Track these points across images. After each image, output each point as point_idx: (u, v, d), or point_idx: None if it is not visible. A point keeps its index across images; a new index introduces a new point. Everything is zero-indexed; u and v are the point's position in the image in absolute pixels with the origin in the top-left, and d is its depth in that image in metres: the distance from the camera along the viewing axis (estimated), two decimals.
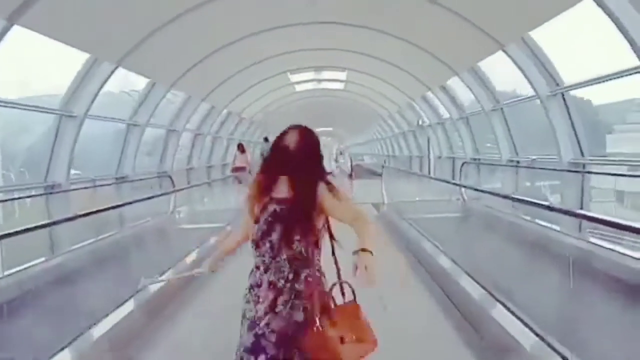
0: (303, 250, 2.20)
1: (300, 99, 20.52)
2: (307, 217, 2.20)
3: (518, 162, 10.56)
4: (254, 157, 16.58)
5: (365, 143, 38.86)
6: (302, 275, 2.20)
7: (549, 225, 7.74)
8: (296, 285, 2.19)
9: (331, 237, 2.32)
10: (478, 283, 4.78)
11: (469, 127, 12.97)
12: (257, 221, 2.26)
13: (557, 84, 8.01)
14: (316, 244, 2.25)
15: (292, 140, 2.26)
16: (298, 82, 17.71)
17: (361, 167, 27.00)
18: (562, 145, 8.02)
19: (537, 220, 7.92)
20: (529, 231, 7.69)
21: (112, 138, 12.41)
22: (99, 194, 10.20)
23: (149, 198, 8.57)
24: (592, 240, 6.82)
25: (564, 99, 8.03)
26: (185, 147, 15.48)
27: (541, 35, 7.94)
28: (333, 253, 2.31)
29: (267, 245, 2.21)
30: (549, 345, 3.37)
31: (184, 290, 5.39)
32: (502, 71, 10.80)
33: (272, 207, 2.24)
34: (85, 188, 8.81)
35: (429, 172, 17.39)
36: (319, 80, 18.24)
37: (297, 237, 2.18)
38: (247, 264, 2.39)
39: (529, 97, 8.71)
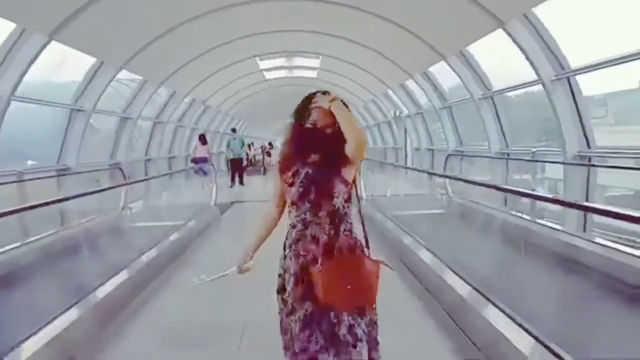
0: (340, 205, 2.33)
1: (270, 88, 19.18)
2: (338, 172, 2.31)
3: (509, 154, 9.62)
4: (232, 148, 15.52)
5: None
6: (341, 229, 2.32)
7: (546, 223, 6.85)
8: (337, 239, 2.31)
9: (356, 194, 2.43)
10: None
11: (452, 117, 11.98)
12: (292, 184, 2.35)
13: (563, 68, 7.03)
14: (349, 199, 2.37)
15: (322, 118, 2.38)
16: (268, 69, 16.38)
17: None
18: (567, 136, 7.06)
19: (537, 220, 7.01)
20: (530, 232, 6.72)
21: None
22: (36, 188, 8.77)
23: (89, 193, 7.16)
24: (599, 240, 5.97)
25: (569, 84, 7.05)
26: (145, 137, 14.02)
27: (545, 13, 6.99)
28: (359, 210, 2.46)
29: (307, 204, 2.32)
30: None
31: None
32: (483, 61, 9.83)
33: (304, 170, 2.35)
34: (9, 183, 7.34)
35: (406, 163, 16.42)
36: (291, 68, 16.95)
37: (335, 194, 2.30)
38: None
39: (530, 83, 7.69)
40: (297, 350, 2.25)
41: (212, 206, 9.85)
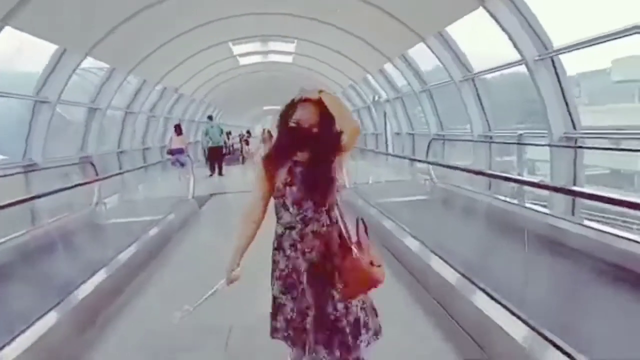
0: (335, 197, 2.42)
1: (245, 74, 18.68)
2: (331, 168, 2.36)
3: (491, 137, 9.48)
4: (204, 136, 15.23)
5: None
6: (333, 216, 2.40)
7: (534, 207, 6.74)
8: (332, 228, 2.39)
9: None
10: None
11: (432, 101, 11.79)
12: (291, 184, 2.34)
13: (546, 47, 6.85)
14: (338, 188, 2.45)
15: (307, 116, 2.34)
16: (242, 55, 15.88)
17: None
18: (552, 117, 6.91)
19: (524, 204, 6.89)
20: (517, 217, 6.59)
21: None
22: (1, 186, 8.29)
23: (58, 191, 6.73)
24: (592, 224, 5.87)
25: (553, 64, 6.89)
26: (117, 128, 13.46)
27: None
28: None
29: (310, 202, 2.34)
30: None
31: None
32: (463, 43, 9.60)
33: (297, 169, 2.36)
34: None
35: (387, 150, 16.23)
36: (265, 53, 16.49)
37: (337, 189, 2.40)
38: None
39: (512, 63, 7.49)
40: (314, 344, 2.32)
41: (190, 199, 9.45)
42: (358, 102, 18.88)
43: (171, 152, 13.69)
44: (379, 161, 14.89)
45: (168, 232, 6.99)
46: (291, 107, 2.36)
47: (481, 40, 11.24)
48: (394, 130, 15.25)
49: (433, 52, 9.32)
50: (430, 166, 9.63)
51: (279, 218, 2.41)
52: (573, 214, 6.97)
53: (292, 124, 2.33)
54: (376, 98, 15.82)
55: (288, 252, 2.37)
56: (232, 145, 22.75)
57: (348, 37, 11.44)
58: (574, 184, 7.06)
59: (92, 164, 9.25)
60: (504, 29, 6.87)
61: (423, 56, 11.99)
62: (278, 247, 2.40)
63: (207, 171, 15.38)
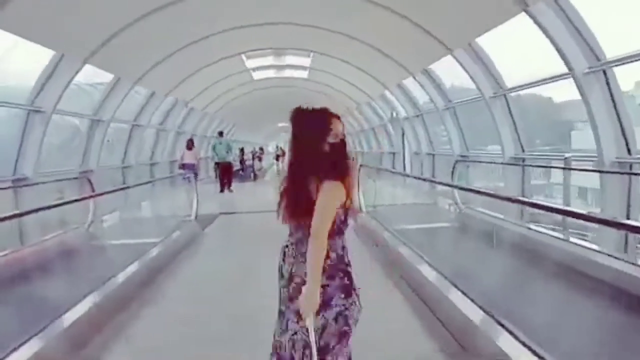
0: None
1: (258, 89, 17.96)
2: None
3: (524, 160, 8.51)
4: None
5: None
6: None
7: (580, 242, 5.73)
8: None
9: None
10: None
11: (457, 119, 10.86)
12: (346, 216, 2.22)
13: (598, 58, 5.91)
14: None
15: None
16: (255, 69, 15.17)
17: None
18: (605, 139, 5.94)
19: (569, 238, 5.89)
20: (563, 253, 5.59)
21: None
22: None
23: (45, 208, 5.87)
24: None
25: (606, 77, 5.93)
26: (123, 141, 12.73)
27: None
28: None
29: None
30: None
31: None
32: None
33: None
34: None
35: (404, 171, 15.26)
36: (280, 67, 15.75)
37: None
38: None
39: (559, 76, 6.53)
40: None
41: (192, 220, 8.53)
42: (375, 120, 18.03)
43: (183, 166, 13.49)
44: (396, 182, 13.95)
45: (161, 261, 6.09)
46: (329, 119, 2.19)
47: (508, 54, 10.37)
48: (412, 149, 14.30)
49: (462, 65, 8.42)
50: (456, 190, 8.66)
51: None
52: (626, 250, 5.96)
53: (339, 138, 2.20)
54: (394, 115, 14.93)
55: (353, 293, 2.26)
56: (245, 162, 21.97)
57: (367, 50, 10.61)
58: (628, 217, 6.06)
59: (89, 180, 8.43)
60: (549, 37, 5.94)
61: (446, 71, 11.14)
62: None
63: (219, 187, 15.15)
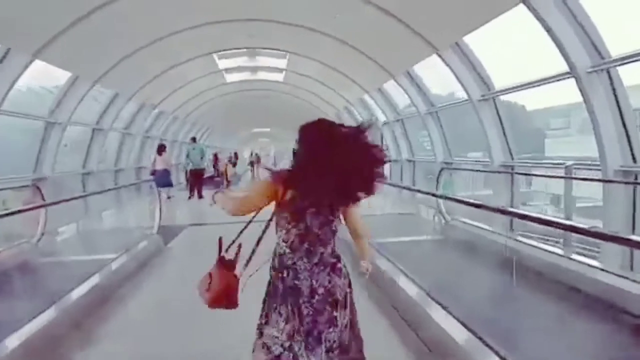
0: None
1: (232, 92, 17.13)
2: None
3: (513, 167, 7.95)
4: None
5: None
6: None
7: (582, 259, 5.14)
8: None
9: None
10: None
11: (440, 125, 10.28)
12: None
13: (602, 56, 5.36)
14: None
15: None
16: (228, 70, 14.36)
17: None
18: (609, 146, 5.39)
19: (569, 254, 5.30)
20: (560, 271, 4.99)
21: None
22: None
23: None
24: None
25: (609, 78, 5.38)
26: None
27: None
28: None
29: None
30: None
31: None
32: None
33: None
34: None
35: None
36: (254, 69, 14.98)
37: None
38: None
39: (560, 75, 5.94)
40: None
41: (154, 234, 7.60)
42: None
43: (154, 173, 12.78)
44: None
45: (111, 283, 5.22)
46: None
47: (492, 57, 9.86)
48: (391, 156, 13.68)
49: (448, 65, 7.81)
50: (441, 201, 8.03)
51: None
52: (632, 268, 5.42)
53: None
54: (373, 119, 14.30)
55: None
56: (218, 168, 21.00)
57: (346, 50, 9.96)
58: (633, 231, 5.51)
59: (38, 188, 7.46)
60: (548, 31, 5.36)
61: (427, 74, 10.58)
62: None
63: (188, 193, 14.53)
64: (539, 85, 6.52)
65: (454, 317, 3.65)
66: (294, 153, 2.31)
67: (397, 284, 4.76)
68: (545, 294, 4.74)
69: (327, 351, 2.22)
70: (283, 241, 2.32)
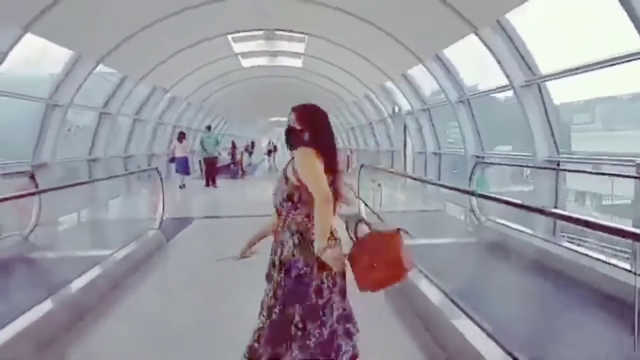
0: None
1: (249, 78, 16.27)
2: None
3: (558, 163, 6.93)
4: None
5: None
6: None
7: None
8: None
9: None
10: None
11: (472, 114, 9.25)
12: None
13: None
14: None
15: None
16: (244, 54, 13.48)
17: None
18: None
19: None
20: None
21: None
22: None
23: None
24: None
25: None
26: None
27: None
28: None
29: None
30: None
31: None
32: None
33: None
34: None
35: (405, 170, 13.68)
36: (272, 54, 14.06)
37: None
38: None
39: (628, 56, 4.94)
40: None
41: (155, 230, 6.74)
42: (373, 115, 16.40)
43: (173, 159, 13.58)
44: (395, 183, 12.32)
45: (101, 287, 4.42)
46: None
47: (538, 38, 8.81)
48: (415, 148, 12.69)
49: (487, 46, 6.80)
50: (474, 198, 7.08)
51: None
52: None
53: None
54: (396, 110, 13.31)
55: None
56: (235, 156, 20.20)
57: (370, 31, 8.98)
58: None
59: (32, 175, 6.69)
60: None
61: (458, 59, 9.53)
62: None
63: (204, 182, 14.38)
64: (602, 68, 5.48)
65: None
66: (292, 131, 2.27)
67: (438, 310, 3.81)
68: (612, 323, 3.79)
69: None
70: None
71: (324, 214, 2.01)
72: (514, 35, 6.77)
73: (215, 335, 3.49)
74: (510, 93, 7.36)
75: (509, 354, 2.83)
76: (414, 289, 4.10)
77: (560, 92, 7.56)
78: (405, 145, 13.73)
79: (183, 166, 13.37)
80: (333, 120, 25.51)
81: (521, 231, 6.13)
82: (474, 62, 9.70)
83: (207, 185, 14.08)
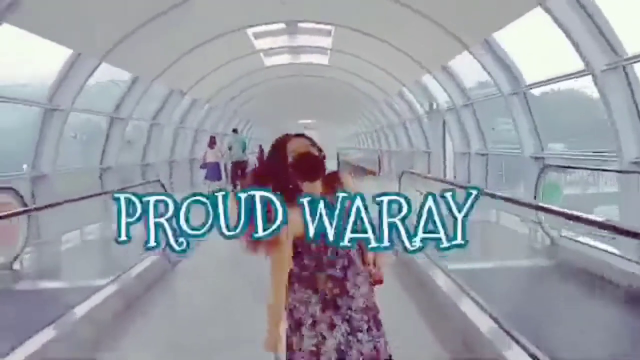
0: None
1: (271, 78, 15.18)
2: None
3: None
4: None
5: (349, 136, 33.50)
6: None
7: None
8: None
9: None
10: None
11: (529, 109, 7.83)
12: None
13: None
14: None
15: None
16: (266, 52, 12.40)
17: (349, 164, 21.73)
18: None
19: None
20: None
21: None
22: None
23: None
24: None
25: None
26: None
27: None
28: None
29: None
30: None
31: None
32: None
33: None
34: None
35: (444, 174, 12.28)
36: (295, 50, 12.93)
37: None
38: None
39: None
40: None
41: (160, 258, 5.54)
42: (407, 114, 15.04)
43: (205, 166, 12.64)
44: (432, 189, 10.91)
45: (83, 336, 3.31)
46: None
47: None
48: (456, 148, 11.28)
49: (561, 25, 5.42)
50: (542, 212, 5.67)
51: None
52: None
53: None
54: (434, 106, 11.93)
55: None
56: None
57: (406, 17, 7.70)
58: None
59: (15, 191, 5.66)
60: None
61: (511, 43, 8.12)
62: None
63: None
64: None
65: None
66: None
67: None
68: None
69: None
70: None
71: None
72: (591, 7, 5.37)
73: None
74: (546, 88, 5.97)
75: None
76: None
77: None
78: (444, 146, 12.33)
79: (215, 172, 12.51)
80: (362, 120, 23.94)
81: (614, 254, 4.72)
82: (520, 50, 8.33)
83: (234, 190, 13.05)
